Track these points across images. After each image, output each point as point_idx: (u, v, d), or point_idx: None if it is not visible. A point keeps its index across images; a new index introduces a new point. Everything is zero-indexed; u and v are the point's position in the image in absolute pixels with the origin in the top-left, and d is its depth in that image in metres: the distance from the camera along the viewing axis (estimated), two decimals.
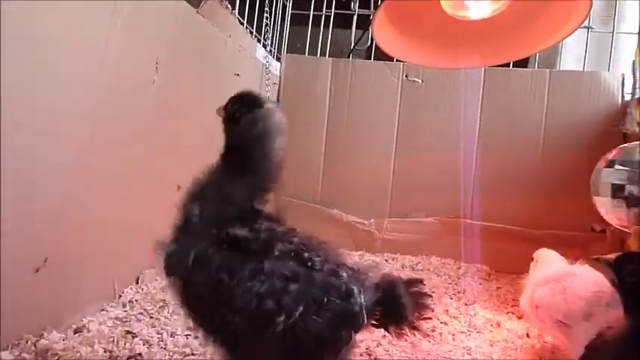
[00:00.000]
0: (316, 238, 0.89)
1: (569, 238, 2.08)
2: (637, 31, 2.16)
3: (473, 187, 2.10)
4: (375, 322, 0.87)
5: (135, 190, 1.37)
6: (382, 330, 0.89)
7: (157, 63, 1.38)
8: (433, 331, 1.38)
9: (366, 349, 1.22)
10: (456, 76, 2.21)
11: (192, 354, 1.11)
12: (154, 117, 1.41)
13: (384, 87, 2.27)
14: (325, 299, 0.80)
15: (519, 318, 1.55)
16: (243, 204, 0.87)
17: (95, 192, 1.21)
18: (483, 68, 2.19)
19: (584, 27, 2.14)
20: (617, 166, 0.94)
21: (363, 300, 0.83)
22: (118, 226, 1.32)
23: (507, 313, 1.62)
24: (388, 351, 1.23)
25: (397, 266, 2.05)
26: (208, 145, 0.89)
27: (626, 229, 0.94)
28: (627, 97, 2.10)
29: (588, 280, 1.12)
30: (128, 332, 1.16)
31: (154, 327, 1.21)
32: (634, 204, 0.92)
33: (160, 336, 1.17)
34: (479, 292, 1.80)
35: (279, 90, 2.30)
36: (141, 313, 1.28)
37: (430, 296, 0.89)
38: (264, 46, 2.16)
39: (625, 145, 0.97)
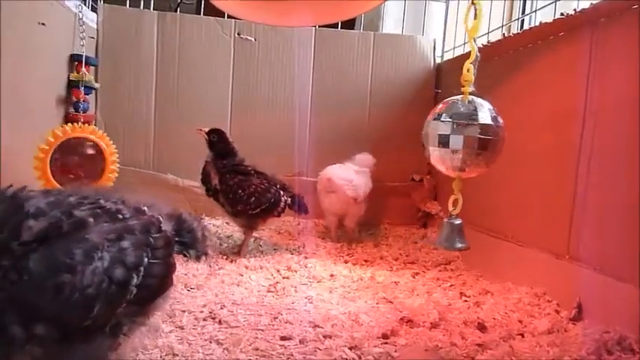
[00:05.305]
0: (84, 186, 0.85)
1: (393, 187, 2.28)
2: None
3: (308, 145, 2.16)
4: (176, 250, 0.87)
5: None
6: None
7: None
8: (275, 286, 1.42)
9: (210, 312, 1.19)
10: (290, 35, 2.22)
11: None
12: None
13: (216, 45, 2.18)
14: (152, 240, 0.79)
15: (354, 265, 1.68)
16: None
17: None
18: (314, 28, 2.23)
19: None
20: (442, 119, 1.02)
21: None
22: None
23: (345, 262, 1.74)
24: (232, 311, 1.21)
25: (238, 228, 2.04)
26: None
27: (451, 175, 1.04)
28: (438, 60, 2.34)
29: (327, 175, 1.92)
30: None
31: None
32: (456, 153, 1.01)
33: None
34: (318, 246, 1.89)
35: (97, 44, 2.06)
36: None
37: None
38: None
39: (449, 99, 1.04)
